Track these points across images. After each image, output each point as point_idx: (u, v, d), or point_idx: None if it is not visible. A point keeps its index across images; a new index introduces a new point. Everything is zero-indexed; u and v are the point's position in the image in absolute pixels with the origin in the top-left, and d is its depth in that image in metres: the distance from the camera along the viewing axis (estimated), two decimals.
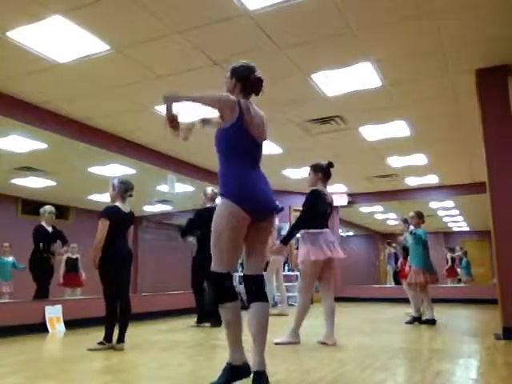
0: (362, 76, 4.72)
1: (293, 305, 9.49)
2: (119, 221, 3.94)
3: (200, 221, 5.45)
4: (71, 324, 5.38)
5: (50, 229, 5.88)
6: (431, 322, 5.47)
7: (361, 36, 3.98)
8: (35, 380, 2.74)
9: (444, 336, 4.51)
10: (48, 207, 5.92)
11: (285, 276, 9.67)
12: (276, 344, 3.87)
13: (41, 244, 5.74)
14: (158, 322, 6.26)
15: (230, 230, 2.32)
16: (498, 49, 4.24)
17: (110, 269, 3.83)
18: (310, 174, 4.18)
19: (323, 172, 4.12)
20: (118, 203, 3.98)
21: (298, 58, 4.35)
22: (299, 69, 4.57)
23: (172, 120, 2.48)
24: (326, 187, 4.15)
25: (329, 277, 4.12)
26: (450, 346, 3.88)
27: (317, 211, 3.99)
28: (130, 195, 4.03)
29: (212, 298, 2.34)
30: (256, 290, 2.44)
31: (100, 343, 3.83)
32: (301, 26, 3.82)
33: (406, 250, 6.36)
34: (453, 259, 11.94)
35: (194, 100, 2.51)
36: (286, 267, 9.60)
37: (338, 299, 10.38)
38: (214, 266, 2.36)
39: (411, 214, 5.86)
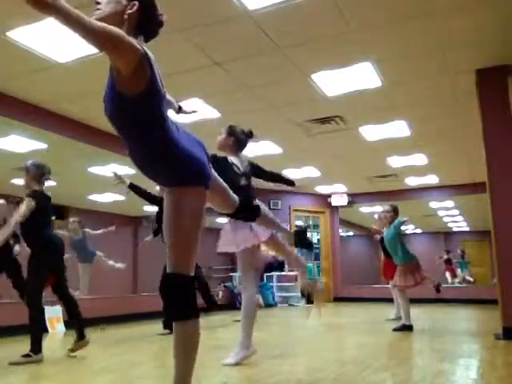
0: (362, 76, 4.72)
1: (292, 305, 9.51)
2: (48, 207, 3.57)
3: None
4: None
5: None
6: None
7: (361, 36, 3.98)
8: (35, 380, 2.74)
9: (444, 336, 4.51)
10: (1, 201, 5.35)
11: (284, 276, 9.70)
12: (225, 365, 3.10)
13: None
14: (158, 322, 6.25)
15: (202, 219, 1.77)
16: (497, 49, 4.24)
17: (47, 260, 3.48)
18: (221, 132, 3.45)
19: (237, 139, 3.39)
20: (37, 188, 3.54)
21: (298, 58, 4.35)
22: (299, 69, 4.57)
23: None
24: (239, 156, 3.40)
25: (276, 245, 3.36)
26: (450, 346, 3.88)
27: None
28: (47, 179, 3.61)
29: (175, 311, 1.67)
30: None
31: (26, 355, 3.25)
32: (301, 26, 3.82)
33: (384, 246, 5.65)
34: (448, 259, 11.90)
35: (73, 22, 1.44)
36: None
37: (338, 299, 10.46)
38: (185, 268, 1.72)
39: (387, 207, 5.33)
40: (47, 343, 4.60)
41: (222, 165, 3.11)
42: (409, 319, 4.93)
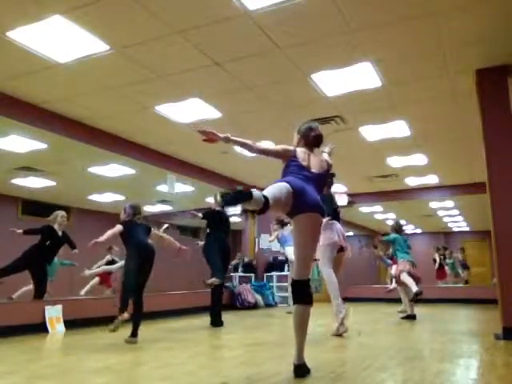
0: (362, 76, 4.72)
1: None
2: (134, 231, 4.48)
3: (210, 220, 5.76)
4: (71, 324, 5.38)
5: (60, 232, 5.89)
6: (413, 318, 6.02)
7: (361, 36, 3.98)
8: (35, 380, 2.74)
9: (444, 336, 4.51)
10: (61, 212, 6.00)
11: (284, 276, 9.70)
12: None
13: (48, 241, 5.72)
14: (159, 321, 6.26)
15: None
16: (498, 49, 4.25)
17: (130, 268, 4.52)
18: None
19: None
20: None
21: (298, 58, 4.35)
22: (299, 69, 4.57)
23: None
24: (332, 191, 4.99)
25: (339, 261, 5.14)
26: (450, 346, 3.88)
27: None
28: (139, 218, 4.60)
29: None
30: (298, 293, 2.83)
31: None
32: (301, 26, 3.82)
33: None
34: (440, 259, 11.81)
35: (263, 151, 2.98)
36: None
37: None
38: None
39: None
40: (47, 343, 4.61)
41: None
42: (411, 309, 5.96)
